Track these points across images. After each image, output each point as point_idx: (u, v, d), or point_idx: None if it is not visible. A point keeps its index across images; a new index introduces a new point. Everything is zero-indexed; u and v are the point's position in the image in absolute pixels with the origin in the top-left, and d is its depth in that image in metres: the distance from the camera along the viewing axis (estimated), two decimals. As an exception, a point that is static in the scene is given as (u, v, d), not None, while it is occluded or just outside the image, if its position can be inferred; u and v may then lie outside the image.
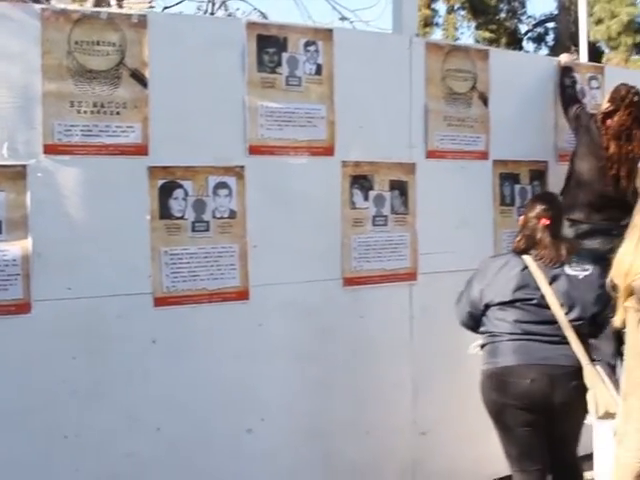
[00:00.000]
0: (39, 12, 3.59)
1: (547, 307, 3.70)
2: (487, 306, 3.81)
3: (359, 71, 4.34)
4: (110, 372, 3.74)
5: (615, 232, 4.13)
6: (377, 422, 4.42)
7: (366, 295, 4.40)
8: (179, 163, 3.85)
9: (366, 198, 4.37)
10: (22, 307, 3.56)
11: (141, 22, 3.77)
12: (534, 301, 3.72)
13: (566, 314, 3.67)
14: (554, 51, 23.09)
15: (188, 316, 3.89)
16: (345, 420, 4.32)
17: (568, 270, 3.79)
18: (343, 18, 10.04)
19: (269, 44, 4.08)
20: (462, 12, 26.21)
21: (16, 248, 3.53)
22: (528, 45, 26.98)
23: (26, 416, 3.56)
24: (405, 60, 4.51)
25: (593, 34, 20.56)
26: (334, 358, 4.29)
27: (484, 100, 4.79)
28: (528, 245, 3.86)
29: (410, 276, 4.53)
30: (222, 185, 3.95)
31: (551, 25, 26.62)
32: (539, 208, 3.91)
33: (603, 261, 3.61)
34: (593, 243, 4.71)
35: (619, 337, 3.09)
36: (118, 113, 3.72)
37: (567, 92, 5.03)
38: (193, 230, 3.89)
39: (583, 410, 3.69)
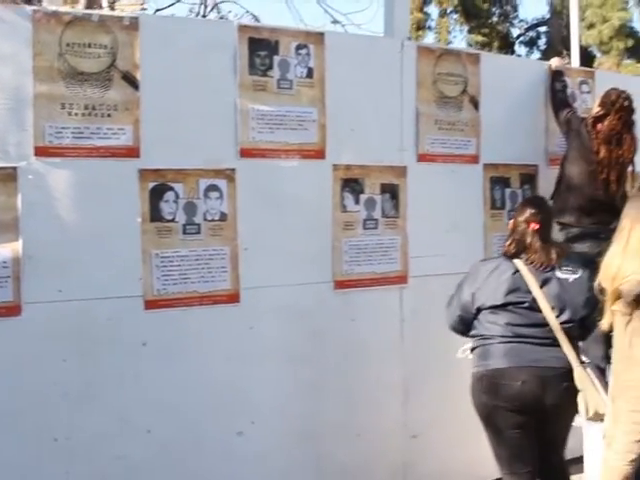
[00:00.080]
0: (30, 14, 3.59)
1: (538, 310, 3.72)
2: (479, 310, 3.81)
3: (350, 74, 4.35)
4: (101, 375, 3.74)
5: (604, 236, 4.15)
6: (368, 425, 4.42)
7: (357, 298, 4.41)
8: (170, 166, 3.86)
9: (357, 201, 4.39)
10: (12, 309, 3.55)
11: (133, 24, 3.78)
12: (525, 304, 3.73)
13: (557, 317, 3.69)
14: (546, 55, 23.13)
15: (179, 319, 3.89)
16: (336, 423, 4.33)
17: (558, 273, 3.80)
18: (335, 21, 10.04)
19: (261, 47, 4.09)
20: (454, 16, 26.25)
21: (6, 250, 3.52)
22: (520, 49, 27.05)
23: (16, 418, 3.56)
24: (396, 64, 4.53)
25: (585, 38, 20.62)
26: (325, 361, 4.29)
27: (475, 104, 4.81)
28: (518, 249, 3.87)
29: (401, 279, 4.54)
30: (213, 188, 3.96)
31: (543, 29, 26.69)
32: (528, 212, 3.93)
33: (592, 264, 3.63)
34: (583, 247, 4.73)
35: (608, 340, 3.10)
36: (109, 115, 3.72)
37: (558, 96, 5.05)
38: (184, 233, 3.89)
39: (572, 412, 3.73)
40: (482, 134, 4.84)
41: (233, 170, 4.01)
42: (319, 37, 4.28)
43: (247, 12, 10.08)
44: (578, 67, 5.90)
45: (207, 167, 3.95)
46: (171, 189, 3.86)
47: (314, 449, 4.28)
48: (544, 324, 3.71)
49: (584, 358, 3.72)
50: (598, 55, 22.53)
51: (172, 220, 3.86)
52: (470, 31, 25.80)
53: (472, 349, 3.90)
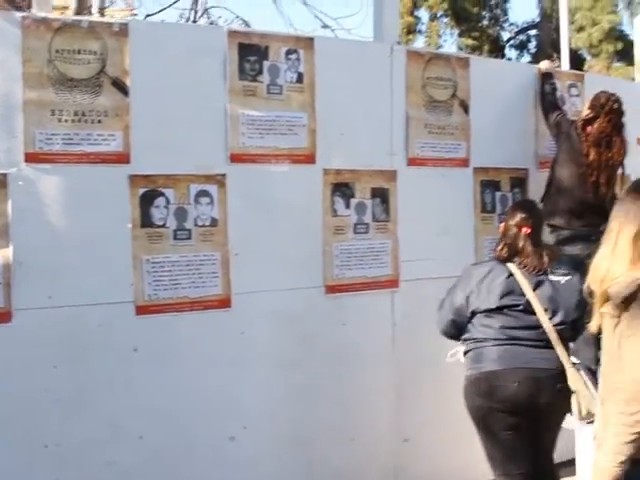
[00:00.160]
0: (20, 20, 3.60)
1: (532, 313, 3.74)
2: (473, 313, 3.82)
3: (340, 79, 4.36)
4: (92, 381, 3.73)
5: (594, 238, 4.16)
6: (360, 429, 4.43)
7: (348, 302, 4.41)
8: (161, 171, 3.86)
9: (347, 206, 4.39)
10: (3, 316, 3.55)
11: (122, 30, 3.78)
12: (520, 307, 3.75)
13: (550, 319, 3.72)
14: (536, 58, 23.19)
15: (170, 324, 3.89)
16: (328, 427, 4.33)
17: (551, 276, 3.84)
18: (325, 26, 10.04)
19: (250, 52, 4.10)
20: (445, 19, 26.33)
21: (-3, 257, 3.52)
22: (510, 52, 27.15)
23: (7, 425, 3.56)
24: (386, 68, 4.54)
25: (575, 41, 20.71)
26: (317, 365, 4.30)
27: (465, 108, 4.82)
28: (511, 253, 3.89)
29: (392, 283, 4.55)
30: (204, 193, 3.96)
31: (533, 32, 26.79)
32: (519, 216, 3.94)
33: (583, 267, 3.64)
34: (573, 249, 4.74)
35: (598, 342, 3.11)
36: (99, 121, 3.73)
37: (547, 99, 5.06)
38: (175, 238, 3.89)
39: (563, 413, 3.78)
40: (472, 138, 4.85)
41: (224, 175, 4.01)
42: (309, 42, 4.29)
43: (237, 17, 10.08)
44: (567, 70, 5.92)
45: (197, 172, 3.96)
46: (162, 195, 3.86)
47: (306, 454, 4.28)
48: (537, 326, 3.73)
49: (574, 359, 3.77)
50: (588, 58, 22.61)
51: (163, 226, 3.87)
52: (460, 35, 25.89)
53: (465, 352, 3.90)
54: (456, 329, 3.93)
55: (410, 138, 4.60)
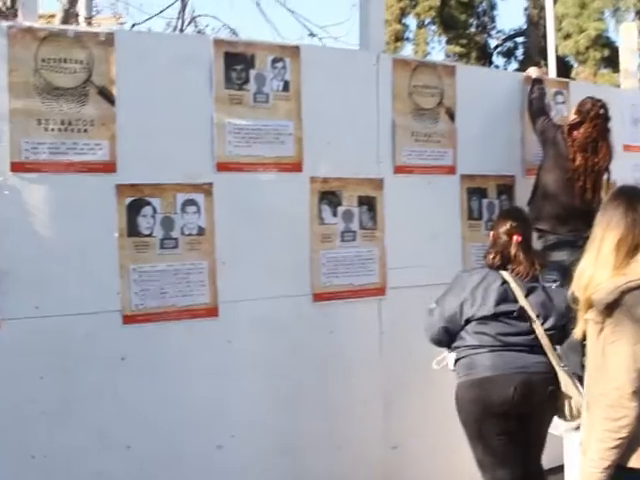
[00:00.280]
0: (5, 29, 3.60)
1: (525, 319, 3.81)
2: (467, 321, 3.85)
3: (326, 87, 4.38)
4: (79, 391, 3.72)
5: (580, 243, 4.18)
6: (348, 437, 4.43)
7: (336, 310, 4.42)
8: (147, 180, 3.86)
9: (334, 214, 4.40)
10: (-11, 326, 3.54)
11: (108, 40, 3.79)
12: (514, 314, 3.81)
13: (542, 324, 3.80)
14: (524, 65, 23.27)
15: (157, 333, 3.89)
16: (316, 435, 4.33)
17: (542, 282, 3.95)
18: (312, 34, 10.08)
19: (236, 61, 4.11)
20: (433, 27, 26.38)
21: (-17, 267, 3.51)
22: (498, 59, 27.21)
23: (-6, 436, 3.54)
24: (372, 76, 4.55)
25: (562, 48, 20.79)
26: (304, 373, 4.30)
27: (451, 115, 4.84)
28: (503, 262, 3.93)
29: (379, 291, 4.56)
30: (190, 202, 3.97)
31: (520, 40, 26.86)
32: (509, 224, 3.99)
33: (570, 272, 3.66)
34: (561, 254, 4.76)
35: (584, 349, 3.13)
36: (85, 131, 3.73)
37: (535, 104, 5.07)
38: (162, 247, 3.90)
39: (552, 415, 3.87)
40: (458, 145, 4.87)
41: (210, 184, 4.02)
42: (295, 50, 4.30)
43: (225, 26, 10.10)
44: (553, 78, 5.95)
45: (184, 182, 3.96)
46: (148, 204, 3.86)
47: (294, 462, 4.28)
48: (530, 332, 3.80)
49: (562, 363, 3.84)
50: (575, 65, 22.70)
51: (149, 235, 3.87)
52: (448, 42, 25.94)
53: (457, 359, 3.93)
54: (448, 336, 3.94)
55: (397, 146, 4.62)
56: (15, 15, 5.44)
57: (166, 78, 3.94)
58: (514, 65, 26.11)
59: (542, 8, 15.90)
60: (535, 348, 3.80)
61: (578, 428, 3.56)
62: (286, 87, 4.25)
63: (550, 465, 4.22)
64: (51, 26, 4.10)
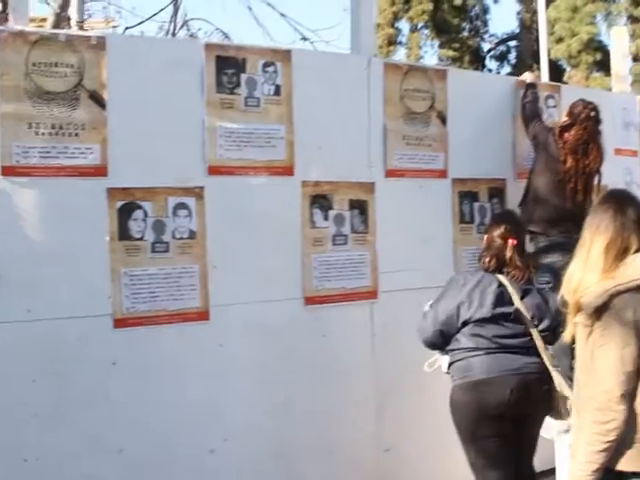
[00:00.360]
0: (-4, 34, 3.59)
1: (520, 321, 3.84)
2: (464, 323, 3.86)
3: (318, 91, 4.38)
4: (71, 394, 3.72)
5: (570, 246, 4.20)
6: (341, 440, 4.43)
7: (327, 314, 4.42)
8: (138, 184, 3.86)
9: (326, 217, 4.41)
10: (-19, 330, 3.53)
11: (99, 44, 3.79)
12: (510, 316, 3.83)
13: (536, 326, 3.84)
14: (516, 69, 23.35)
15: (148, 337, 3.89)
16: (308, 439, 4.33)
17: (535, 284, 4.01)
18: (304, 38, 10.09)
19: (228, 65, 4.11)
20: (426, 31, 26.41)
21: (-26, 271, 3.52)
22: (491, 63, 27.25)
23: (-15, 440, 3.54)
24: (363, 80, 4.56)
25: (554, 52, 20.83)
26: (296, 377, 4.30)
27: (442, 119, 4.85)
28: (498, 265, 3.96)
29: (371, 294, 4.56)
30: (181, 206, 3.97)
31: (513, 43, 26.92)
32: (504, 228, 4.01)
33: (560, 275, 3.68)
34: (551, 257, 4.77)
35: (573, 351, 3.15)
36: (77, 135, 3.73)
37: (528, 108, 5.08)
38: (153, 251, 3.90)
39: (545, 415, 3.92)
40: (450, 149, 4.88)
41: (201, 188, 4.02)
42: (286, 54, 4.31)
43: (217, 29, 10.11)
44: (544, 82, 5.97)
45: (175, 185, 3.96)
46: (139, 207, 3.86)
47: (287, 466, 4.27)
48: (526, 334, 3.84)
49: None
50: (568, 69, 22.75)
51: (141, 238, 3.87)
52: (441, 46, 25.97)
53: (452, 362, 3.94)
54: (443, 339, 3.95)
55: (388, 150, 4.62)
56: (6, 19, 5.43)
57: (157, 82, 3.94)
58: (507, 69, 26.18)
59: (534, 12, 15.98)
60: (530, 350, 3.83)
61: (569, 431, 3.57)
62: (277, 91, 4.26)
63: (542, 468, 4.23)
64: (42, 30, 4.10)
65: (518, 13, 26.01)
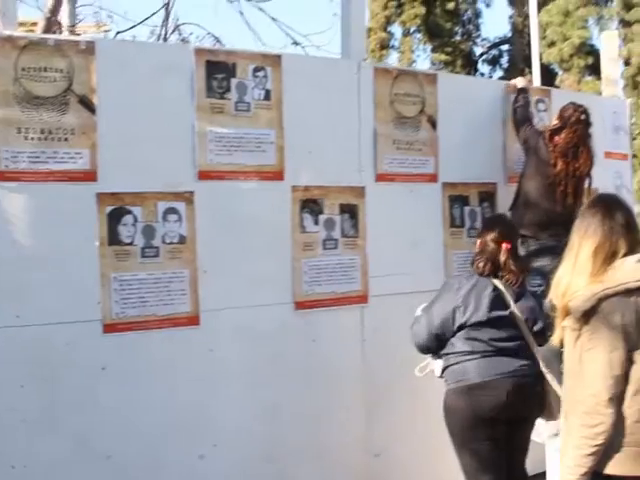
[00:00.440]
0: (-16, 39, 3.58)
1: (515, 324, 3.86)
2: (460, 327, 3.87)
3: (308, 96, 4.38)
4: (60, 400, 3.71)
5: (560, 250, 4.21)
6: (331, 445, 4.43)
7: (318, 318, 4.41)
8: (128, 189, 3.86)
9: (316, 222, 4.41)
10: (-31, 335, 3.52)
11: (89, 48, 3.78)
12: (505, 320, 3.85)
13: (530, 328, 3.88)
14: (509, 73, 23.42)
15: (138, 342, 3.88)
16: (298, 444, 4.32)
17: (528, 287, 4.05)
18: (295, 43, 10.11)
19: (218, 70, 4.11)
20: (418, 35, 26.47)
21: (-37, 276, 3.51)
22: (483, 67, 27.33)
23: (-27, 446, 3.52)
24: (353, 85, 4.57)
25: (546, 56, 20.89)
26: (286, 382, 4.29)
27: (432, 123, 4.86)
28: (493, 269, 3.97)
29: (361, 299, 4.56)
30: (171, 210, 3.96)
31: (505, 48, 27.00)
32: (497, 232, 4.03)
33: (551, 277, 3.70)
34: (544, 260, 4.77)
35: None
36: (66, 139, 3.72)
37: (519, 112, 5.09)
38: (143, 256, 3.89)
39: (537, 415, 3.95)
40: (440, 153, 4.89)
41: (191, 193, 4.02)
42: (276, 59, 4.31)
43: (209, 34, 10.11)
44: (534, 86, 5.98)
45: (165, 190, 3.96)
46: (129, 212, 3.86)
47: (277, 471, 4.26)
48: (520, 337, 3.87)
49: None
50: (559, 73, 22.81)
51: (130, 243, 3.86)
52: (433, 50, 26.03)
53: (447, 366, 3.94)
54: (437, 343, 3.96)
55: (378, 154, 4.63)
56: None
57: (147, 87, 3.94)
58: (499, 73, 26.26)
59: (527, 16, 16.00)
60: (524, 352, 3.86)
61: (559, 434, 3.58)
62: (267, 96, 4.26)
63: (534, 472, 4.24)
64: (31, 35, 4.08)
65: (510, 17, 26.10)
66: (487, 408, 3.75)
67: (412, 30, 26.25)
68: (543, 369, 3.85)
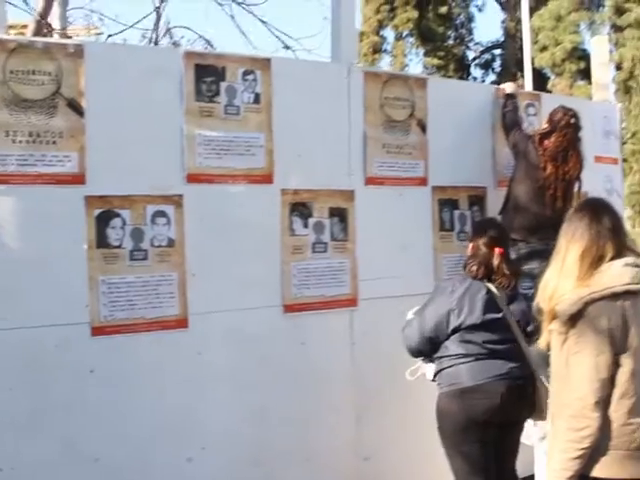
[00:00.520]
0: (-27, 42, 3.58)
1: (508, 326, 3.89)
2: (455, 330, 3.87)
3: (297, 99, 4.38)
4: (48, 403, 3.70)
5: (550, 253, 4.23)
6: (320, 448, 4.42)
7: (307, 322, 4.41)
8: (116, 192, 3.85)
9: (305, 225, 4.40)
10: (-43, 338, 3.52)
11: (77, 52, 3.78)
12: (499, 322, 3.87)
13: (522, 331, 3.90)
14: (501, 77, 23.50)
15: (126, 345, 3.87)
16: (287, 447, 4.31)
17: (520, 290, 4.07)
18: (286, 47, 10.12)
19: (207, 73, 4.11)
20: (411, 39, 26.53)
21: (-50, 279, 3.50)
22: (476, 71, 27.43)
23: (-39, 449, 3.51)
24: (343, 88, 4.57)
25: (538, 61, 20.97)
26: (275, 385, 4.28)
27: (422, 127, 4.86)
28: (486, 273, 3.98)
29: (350, 302, 4.56)
30: (160, 214, 3.96)
31: (498, 52, 27.09)
32: (489, 236, 4.04)
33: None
34: (534, 263, 4.78)
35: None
36: (54, 142, 3.72)
37: (508, 117, 5.10)
38: (131, 259, 3.88)
39: (527, 417, 3.96)
40: (430, 157, 4.89)
41: (180, 196, 4.01)
42: (266, 63, 4.32)
43: (200, 37, 10.11)
44: (525, 90, 6.00)
45: (154, 193, 3.95)
46: (118, 215, 3.85)
47: (265, 474, 4.26)
48: (513, 339, 3.88)
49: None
50: (552, 77, 22.89)
51: (119, 246, 3.86)
52: (426, 54, 26.10)
53: (440, 370, 3.95)
54: (431, 347, 3.96)
55: (368, 158, 4.63)
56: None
57: (136, 90, 3.93)
58: (492, 77, 26.37)
59: (519, 21, 16.04)
60: (516, 355, 3.87)
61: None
62: (257, 99, 4.26)
63: (523, 474, 4.24)
64: (19, 37, 4.09)
65: (503, 22, 26.19)
66: (481, 411, 3.76)
67: (405, 34, 26.33)
68: (535, 370, 3.86)
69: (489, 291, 3.91)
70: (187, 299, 4.01)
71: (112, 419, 3.83)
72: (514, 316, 3.91)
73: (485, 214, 5.12)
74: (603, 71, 6.51)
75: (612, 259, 2.83)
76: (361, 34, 24.80)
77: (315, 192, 4.43)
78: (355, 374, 4.56)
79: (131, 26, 8.96)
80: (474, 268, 3.99)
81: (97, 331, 3.80)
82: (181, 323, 4.01)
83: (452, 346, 3.88)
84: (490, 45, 27.28)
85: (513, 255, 4.76)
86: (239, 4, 9.97)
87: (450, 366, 3.88)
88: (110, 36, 8.78)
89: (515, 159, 5.04)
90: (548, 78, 22.84)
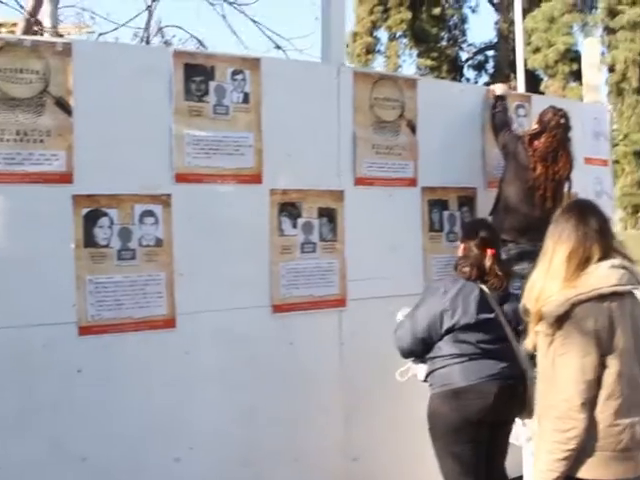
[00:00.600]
0: (-39, 40, 3.57)
1: (500, 326, 3.89)
2: (448, 330, 3.87)
3: (287, 99, 4.38)
4: (35, 402, 3.69)
5: (538, 254, 4.24)
6: (308, 449, 4.41)
7: (295, 322, 4.40)
8: (104, 191, 3.84)
9: (294, 225, 4.39)
10: (-57, 337, 3.50)
11: (66, 50, 3.76)
12: (492, 322, 3.87)
13: (514, 330, 3.89)
14: (494, 78, 23.53)
15: (114, 345, 3.86)
16: (275, 447, 4.30)
17: (511, 290, 4.05)
18: (278, 47, 10.11)
19: (196, 73, 4.10)
20: (404, 40, 26.56)
21: (-63, 278, 3.48)
22: (469, 72, 27.49)
23: (-53, 448, 3.50)
24: (333, 89, 4.56)
25: (531, 62, 21.03)
26: (263, 385, 4.28)
27: (412, 128, 4.86)
28: (479, 274, 3.98)
29: (339, 302, 4.55)
30: (148, 213, 3.94)
31: (491, 53, 27.15)
32: (480, 238, 4.05)
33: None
34: (522, 264, 4.78)
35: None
36: (42, 141, 3.70)
37: (498, 117, 5.10)
38: (119, 258, 3.87)
39: (518, 415, 3.97)
40: (419, 158, 4.88)
41: (169, 195, 4.00)
42: (255, 62, 4.31)
43: (191, 37, 10.10)
44: (514, 92, 6.00)
45: (142, 192, 3.94)
46: (105, 215, 3.84)
47: (253, 474, 4.25)
48: (504, 338, 3.89)
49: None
50: (544, 78, 22.95)
51: (106, 246, 3.84)
52: (419, 55, 26.15)
53: (432, 370, 3.94)
54: (424, 347, 3.96)
55: (357, 158, 4.62)
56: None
57: (125, 89, 3.92)
58: (485, 78, 26.44)
59: (512, 22, 16.06)
60: (507, 354, 3.87)
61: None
62: (246, 99, 4.25)
63: (512, 475, 4.25)
64: (7, 36, 4.07)
65: (496, 23, 26.25)
66: (474, 411, 3.76)
67: (398, 35, 26.38)
68: (526, 370, 3.86)
69: (482, 291, 3.91)
70: (175, 299, 4.00)
71: (100, 419, 3.81)
72: (506, 316, 3.92)
73: (475, 215, 5.12)
74: (594, 73, 6.52)
75: (599, 261, 2.84)
76: (354, 35, 24.85)
77: (304, 192, 4.43)
78: (344, 374, 4.55)
79: (122, 25, 8.96)
80: (467, 269, 3.99)
81: (84, 331, 3.79)
82: (169, 323, 3.99)
83: (445, 346, 3.88)
84: (483, 46, 27.35)
85: (503, 256, 4.77)
86: (230, 4, 9.97)
87: (443, 366, 3.88)
88: (101, 35, 8.78)
89: (505, 160, 5.05)
90: (541, 79, 22.91)
